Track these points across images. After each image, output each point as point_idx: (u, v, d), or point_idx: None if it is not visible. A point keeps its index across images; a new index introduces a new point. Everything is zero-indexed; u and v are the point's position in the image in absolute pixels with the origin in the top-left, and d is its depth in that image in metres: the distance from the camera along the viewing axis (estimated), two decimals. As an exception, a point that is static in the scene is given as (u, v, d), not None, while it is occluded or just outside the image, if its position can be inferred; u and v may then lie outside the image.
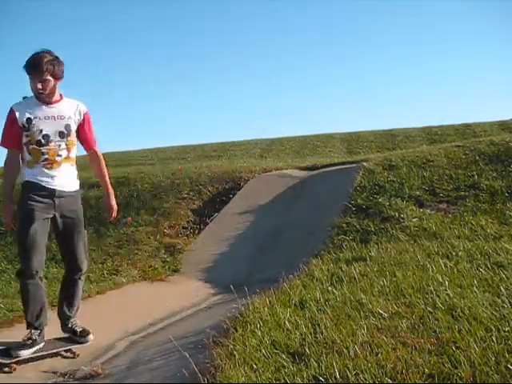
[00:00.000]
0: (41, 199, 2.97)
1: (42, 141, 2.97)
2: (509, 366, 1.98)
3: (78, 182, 3.18)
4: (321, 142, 15.45)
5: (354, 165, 7.21)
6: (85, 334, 3.18)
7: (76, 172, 3.17)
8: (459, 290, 2.97)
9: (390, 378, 1.99)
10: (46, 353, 3.03)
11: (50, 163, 2.99)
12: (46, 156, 2.98)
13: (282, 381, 2.09)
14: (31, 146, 2.97)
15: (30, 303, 2.98)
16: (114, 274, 5.16)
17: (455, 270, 3.39)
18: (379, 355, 2.19)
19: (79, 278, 3.23)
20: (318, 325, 2.63)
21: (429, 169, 6.28)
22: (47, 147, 2.98)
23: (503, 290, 2.87)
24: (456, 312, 2.60)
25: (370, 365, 2.09)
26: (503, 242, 4.12)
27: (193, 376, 2.29)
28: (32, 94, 3.02)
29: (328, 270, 3.86)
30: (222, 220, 6.45)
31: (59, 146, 3.02)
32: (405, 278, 3.30)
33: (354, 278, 3.45)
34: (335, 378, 2.04)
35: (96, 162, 3.33)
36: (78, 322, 3.25)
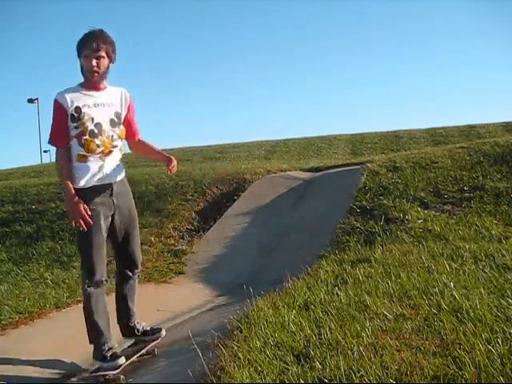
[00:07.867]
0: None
1: (95, 130, 2.71)
2: (514, 367, 1.98)
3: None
4: (325, 143, 15.46)
5: (358, 166, 7.20)
6: (157, 330, 3.14)
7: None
8: (464, 291, 2.95)
9: (395, 380, 1.99)
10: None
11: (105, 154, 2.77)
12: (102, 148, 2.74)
13: (287, 382, 2.09)
14: (84, 137, 2.68)
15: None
16: (119, 276, 5.15)
17: (460, 272, 3.38)
18: (384, 357, 2.18)
19: (137, 276, 3.26)
20: (323, 326, 2.62)
21: (433, 170, 6.26)
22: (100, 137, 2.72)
23: (508, 292, 2.86)
24: (461, 313, 2.59)
25: (374, 366, 2.09)
26: (508, 243, 4.11)
27: (197, 377, 2.29)
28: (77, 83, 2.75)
29: (332, 271, 3.85)
30: (227, 221, 6.45)
31: (112, 136, 2.78)
32: (409, 280, 3.29)
33: (359, 280, 3.44)
34: (340, 379, 2.04)
35: (145, 145, 3.13)
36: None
